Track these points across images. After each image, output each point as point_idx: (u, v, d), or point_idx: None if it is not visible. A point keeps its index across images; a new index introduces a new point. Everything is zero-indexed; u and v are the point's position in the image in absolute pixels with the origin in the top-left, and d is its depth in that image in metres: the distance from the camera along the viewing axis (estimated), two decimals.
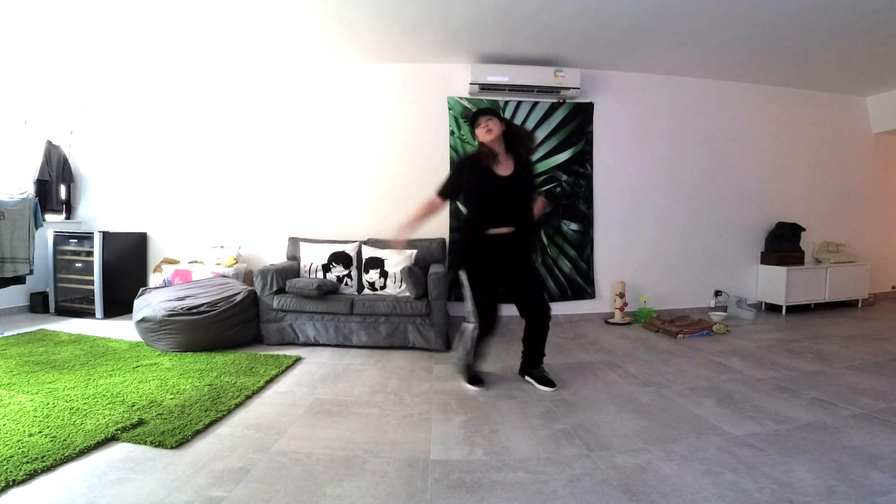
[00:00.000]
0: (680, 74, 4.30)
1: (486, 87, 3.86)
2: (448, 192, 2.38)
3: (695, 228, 4.42)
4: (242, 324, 3.11)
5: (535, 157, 4.09)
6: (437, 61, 4.00)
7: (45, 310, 4.04)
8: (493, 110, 2.32)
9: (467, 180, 2.32)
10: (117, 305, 3.93)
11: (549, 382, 2.37)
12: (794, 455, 1.65)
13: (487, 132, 2.23)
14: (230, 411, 2.03)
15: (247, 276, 3.88)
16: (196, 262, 3.98)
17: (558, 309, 4.15)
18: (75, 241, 4.04)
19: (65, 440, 1.68)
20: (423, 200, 2.38)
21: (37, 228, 3.71)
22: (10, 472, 1.46)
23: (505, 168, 2.27)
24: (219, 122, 4.20)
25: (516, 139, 2.30)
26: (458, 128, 4.01)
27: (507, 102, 4.06)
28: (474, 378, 2.41)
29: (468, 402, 2.19)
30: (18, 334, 3.26)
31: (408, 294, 3.20)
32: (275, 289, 3.18)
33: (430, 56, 3.91)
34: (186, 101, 4.23)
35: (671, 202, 4.36)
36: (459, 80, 4.00)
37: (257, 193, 4.17)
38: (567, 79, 3.85)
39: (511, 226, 2.24)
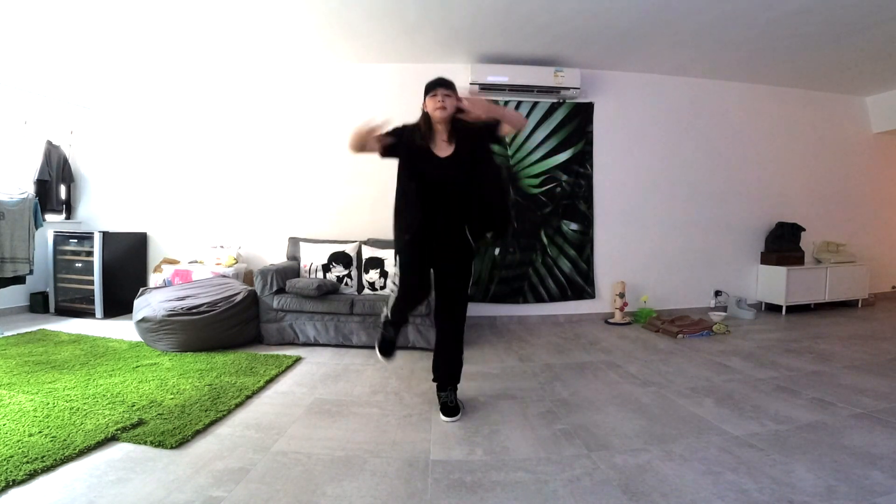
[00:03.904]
0: (679, 74, 4.30)
1: (486, 87, 3.86)
2: (388, 134, 1.98)
3: (695, 228, 4.42)
4: (242, 324, 3.11)
5: (525, 154, 4.08)
6: (436, 61, 4.00)
7: (45, 310, 4.04)
8: (452, 84, 1.97)
9: (401, 154, 2.01)
10: (117, 305, 3.93)
11: (451, 410, 2.02)
12: (794, 455, 1.65)
13: (441, 109, 1.91)
14: (230, 411, 2.03)
15: (247, 276, 3.88)
16: (196, 262, 3.98)
17: (558, 309, 4.16)
18: (75, 241, 4.04)
19: (65, 440, 1.67)
20: (352, 135, 1.97)
21: (37, 228, 3.71)
22: (10, 472, 1.46)
23: (443, 149, 1.97)
24: (219, 122, 4.20)
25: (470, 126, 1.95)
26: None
27: (507, 102, 4.06)
28: (385, 342, 2.12)
29: (468, 403, 2.18)
30: (18, 334, 3.26)
31: None
32: (275, 289, 3.18)
33: (430, 56, 3.91)
34: (186, 101, 4.23)
35: (671, 202, 4.36)
36: (459, 79, 3.90)
37: (257, 193, 4.17)
38: (567, 79, 3.85)
39: (447, 217, 1.98)
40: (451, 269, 2.07)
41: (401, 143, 1.99)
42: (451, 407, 2.05)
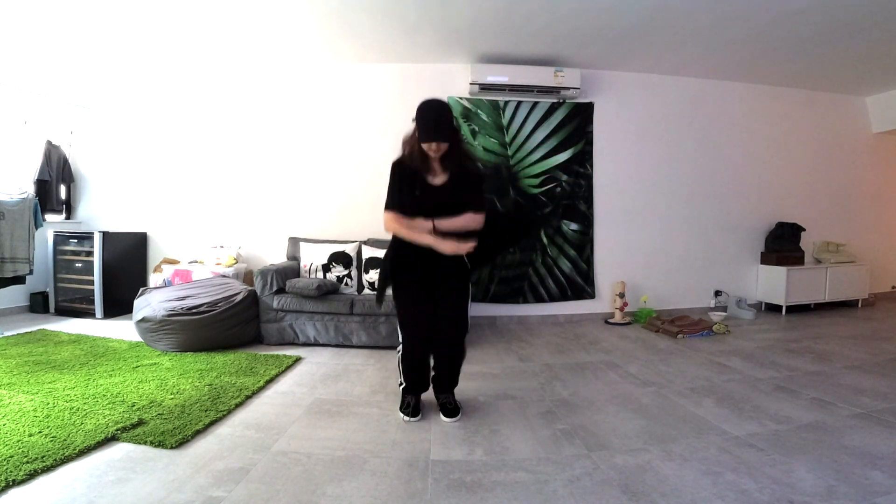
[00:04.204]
0: (680, 74, 4.30)
1: (486, 87, 3.86)
2: (396, 202, 1.97)
3: (695, 228, 4.42)
4: (242, 324, 3.11)
5: (525, 154, 4.08)
6: (437, 61, 4.00)
7: (45, 310, 4.04)
8: (450, 130, 1.88)
9: (402, 187, 1.97)
10: (117, 305, 3.93)
11: (451, 411, 2.04)
12: (794, 455, 1.65)
13: (434, 151, 1.88)
14: (230, 411, 2.03)
15: (247, 276, 3.88)
16: (196, 262, 3.98)
17: (558, 309, 4.16)
18: (75, 241, 4.04)
19: (65, 440, 1.67)
20: (391, 224, 1.99)
21: (37, 228, 3.71)
22: (10, 472, 1.46)
23: (438, 177, 1.96)
24: (219, 122, 4.20)
25: (459, 157, 1.95)
26: (459, 128, 4.02)
27: (507, 102, 4.06)
28: (406, 405, 2.07)
29: (468, 403, 2.18)
30: (18, 334, 3.26)
31: None
32: (275, 289, 3.18)
33: (430, 56, 3.91)
34: (186, 101, 4.23)
35: (671, 202, 4.36)
36: (460, 79, 4.00)
37: (257, 193, 4.17)
38: (567, 79, 3.85)
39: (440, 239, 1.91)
40: (451, 283, 2.02)
41: (402, 180, 1.95)
42: (450, 408, 2.05)
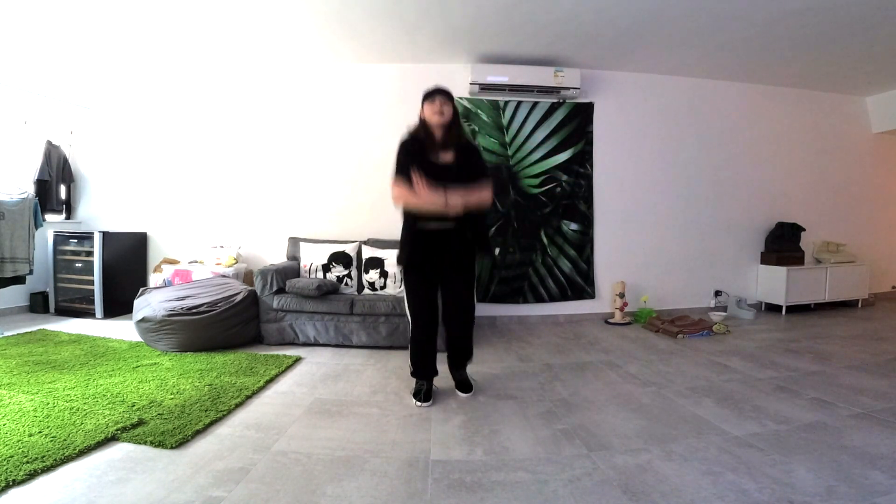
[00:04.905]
0: (680, 74, 4.30)
1: (486, 87, 3.86)
2: (405, 170, 2.06)
3: (695, 228, 4.42)
4: (242, 324, 3.11)
5: (525, 154, 4.09)
6: (436, 61, 4.00)
7: (45, 310, 4.04)
8: (450, 94, 2.13)
9: (410, 164, 2.08)
10: (117, 305, 3.93)
11: (467, 387, 2.29)
12: (794, 455, 1.65)
13: (439, 114, 2.06)
14: (230, 411, 2.03)
15: (247, 276, 3.88)
16: (196, 262, 3.98)
17: (558, 309, 4.16)
18: (75, 241, 4.04)
19: (65, 440, 1.67)
20: (395, 191, 2.09)
21: (37, 228, 3.71)
22: (10, 472, 1.46)
23: (443, 156, 2.11)
24: (219, 122, 4.20)
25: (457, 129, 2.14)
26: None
27: (507, 102, 4.06)
28: (417, 391, 2.21)
29: (468, 402, 2.19)
30: (18, 334, 3.26)
31: None
32: (275, 289, 3.18)
33: (430, 56, 3.91)
34: (186, 101, 4.23)
35: (671, 202, 4.36)
36: (459, 80, 3.99)
37: (257, 193, 4.17)
38: (567, 79, 3.85)
39: (448, 220, 2.05)
40: (458, 273, 2.20)
41: (409, 156, 2.09)
42: (465, 385, 2.29)
